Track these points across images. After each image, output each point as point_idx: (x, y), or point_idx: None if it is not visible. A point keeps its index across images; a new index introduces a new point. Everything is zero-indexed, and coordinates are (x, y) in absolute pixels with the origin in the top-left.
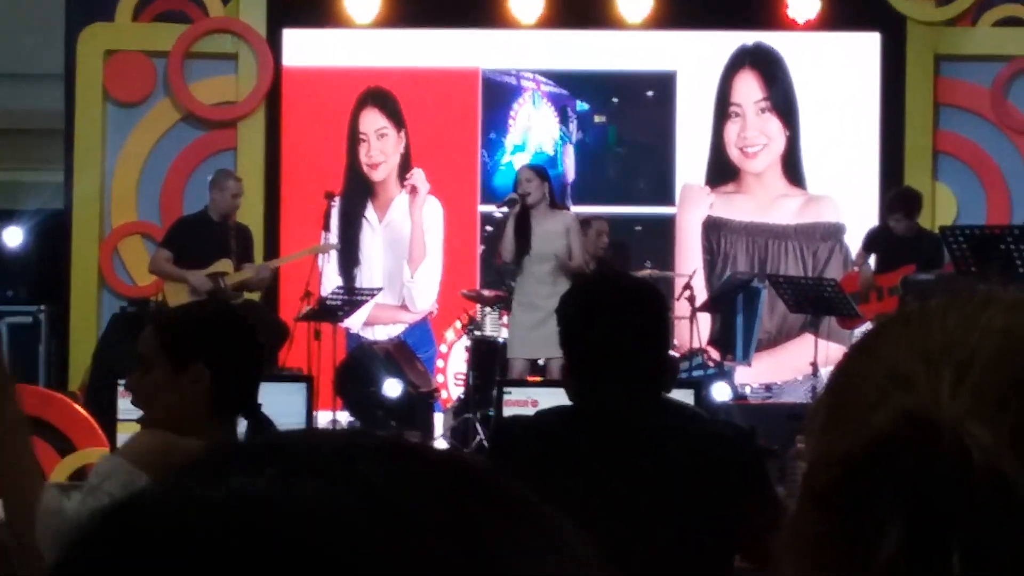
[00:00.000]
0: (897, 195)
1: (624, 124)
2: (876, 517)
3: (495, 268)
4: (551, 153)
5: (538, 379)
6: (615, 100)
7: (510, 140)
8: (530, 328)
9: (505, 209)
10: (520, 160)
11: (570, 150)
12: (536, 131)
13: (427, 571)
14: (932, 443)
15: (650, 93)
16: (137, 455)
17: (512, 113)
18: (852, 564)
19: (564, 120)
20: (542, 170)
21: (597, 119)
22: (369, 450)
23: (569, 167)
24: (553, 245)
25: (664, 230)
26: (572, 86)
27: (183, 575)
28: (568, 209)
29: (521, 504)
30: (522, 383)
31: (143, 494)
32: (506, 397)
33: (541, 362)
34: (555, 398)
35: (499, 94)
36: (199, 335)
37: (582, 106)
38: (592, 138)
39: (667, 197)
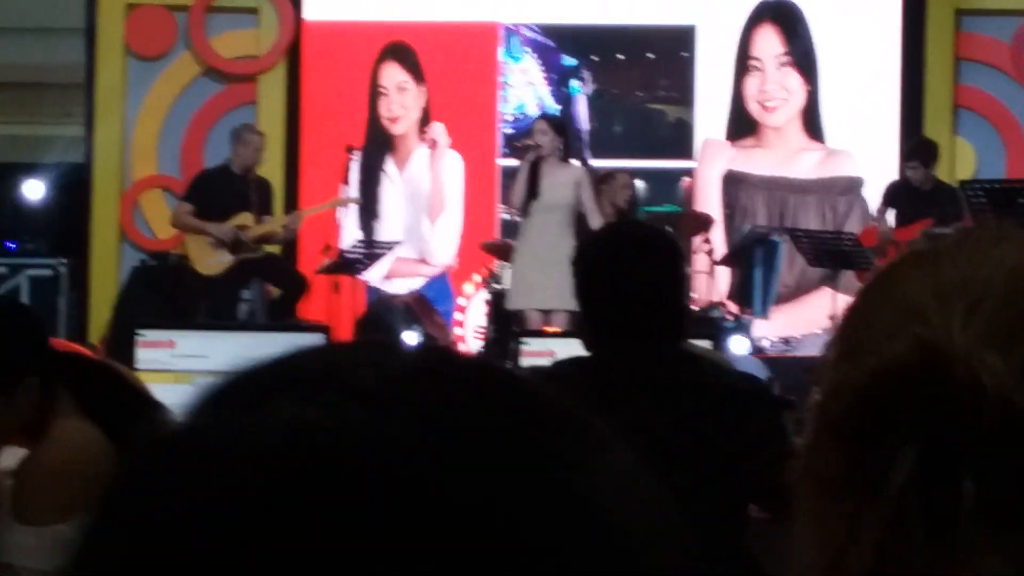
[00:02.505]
0: (913, 144)
1: (642, 77)
2: (888, 446)
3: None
4: (558, 108)
5: (557, 330)
6: (622, 56)
7: (514, 93)
8: (532, 277)
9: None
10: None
11: (583, 100)
12: (540, 86)
13: (490, 493)
14: (945, 371)
15: (669, 47)
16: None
17: (515, 67)
18: (865, 493)
19: (578, 73)
20: (558, 122)
21: (608, 73)
22: (413, 371)
23: (583, 118)
24: (561, 195)
25: (672, 183)
26: (588, 40)
27: (245, 516)
28: (584, 163)
29: (574, 417)
30: (539, 333)
31: (183, 429)
32: (523, 348)
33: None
34: (572, 349)
35: (510, 47)
36: (13, 355)
37: (593, 59)
38: (607, 92)
39: (686, 151)
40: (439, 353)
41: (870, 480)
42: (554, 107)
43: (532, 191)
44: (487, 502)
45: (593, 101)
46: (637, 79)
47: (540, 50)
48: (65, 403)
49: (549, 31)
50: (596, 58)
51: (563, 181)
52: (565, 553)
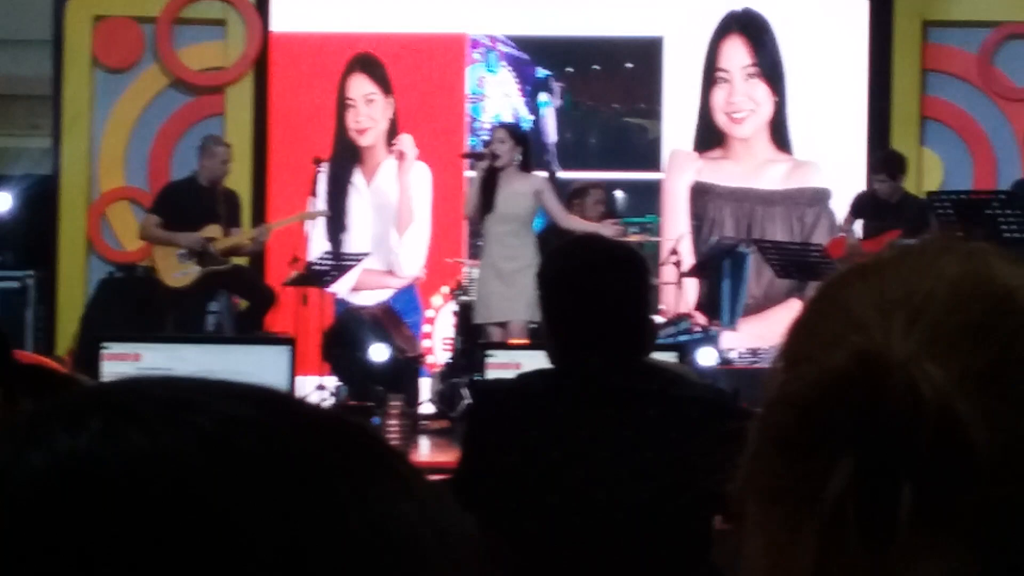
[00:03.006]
0: (881, 157)
1: (610, 89)
2: (828, 454)
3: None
4: (530, 118)
5: (523, 342)
6: (593, 67)
7: (485, 105)
8: (491, 291)
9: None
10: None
11: (551, 113)
12: (513, 97)
13: (259, 512)
14: (884, 380)
15: (635, 59)
16: None
17: (484, 78)
18: (804, 501)
19: (547, 86)
20: (517, 131)
21: (575, 85)
22: (197, 397)
23: (550, 130)
24: (518, 206)
25: (651, 196)
26: (557, 52)
27: (13, 546)
28: (552, 176)
29: (370, 448)
30: (504, 346)
31: None
32: (489, 360)
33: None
34: (538, 361)
35: (478, 59)
36: None
37: (565, 70)
38: (576, 104)
39: (654, 163)
40: (228, 383)
41: (810, 488)
42: (528, 119)
43: (488, 203)
44: (264, 525)
45: (566, 113)
46: (608, 91)
47: (515, 63)
48: None
49: (521, 43)
50: (571, 69)
51: (521, 191)
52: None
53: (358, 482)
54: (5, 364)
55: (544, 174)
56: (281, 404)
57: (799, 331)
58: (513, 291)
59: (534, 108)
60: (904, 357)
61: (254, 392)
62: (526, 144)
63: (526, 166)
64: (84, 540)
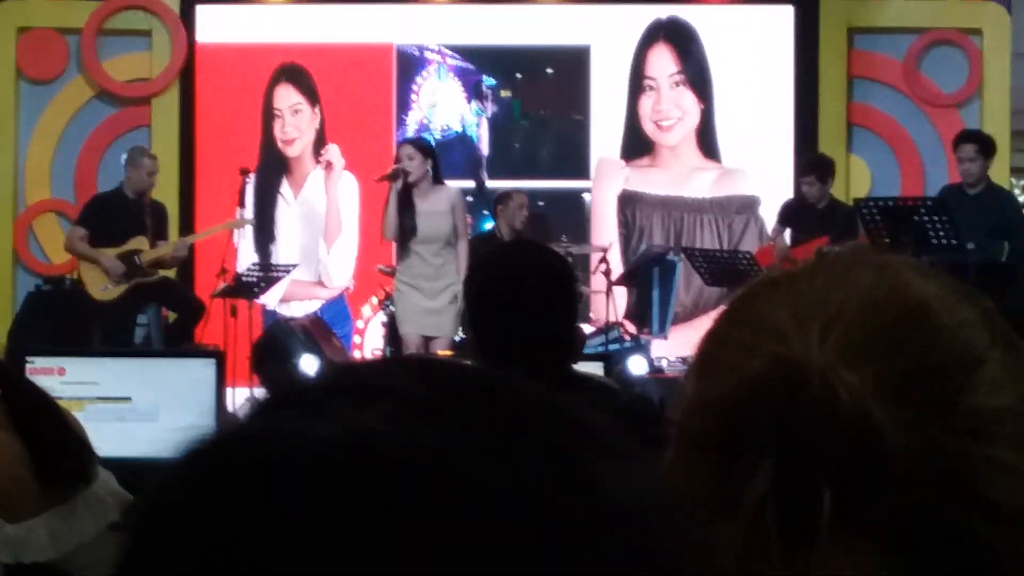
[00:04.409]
0: (809, 159)
1: (538, 98)
2: (748, 459)
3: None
4: (459, 130)
5: (448, 353)
6: (519, 75)
7: (414, 117)
8: (417, 306)
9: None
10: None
11: (484, 124)
12: (443, 106)
13: (543, 511)
14: (802, 386)
15: (563, 67)
16: None
17: (415, 88)
18: (725, 505)
19: (479, 95)
20: (425, 145)
21: (503, 94)
22: (466, 385)
23: (484, 142)
24: (437, 227)
25: (579, 204)
26: (484, 60)
27: (306, 517)
28: (480, 185)
29: (605, 431)
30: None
31: (238, 432)
32: None
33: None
34: None
35: (407, 68)
36: None
37: (490, 81)
38: (505, 112)
39: (582, 171)
40: (484, 372)
41: (730, 492)
42: (474, 123)
43: (408, 226)
44: (535, 507)
45: (515, 121)
46: (532, 98)
47: (461, 73)
48: None
49: (462, 52)
50: (520, 75)
51: (439, 210)
52: (610, 552)
53: (612, 474)
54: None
55: (457, 185)
56: (543, 404)
57: (715, 339)
58: (437, 305)
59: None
60: (821, 364)
61: (511, 385)
62: (434, 156)
63: (437, 178)
64: (364, 516)
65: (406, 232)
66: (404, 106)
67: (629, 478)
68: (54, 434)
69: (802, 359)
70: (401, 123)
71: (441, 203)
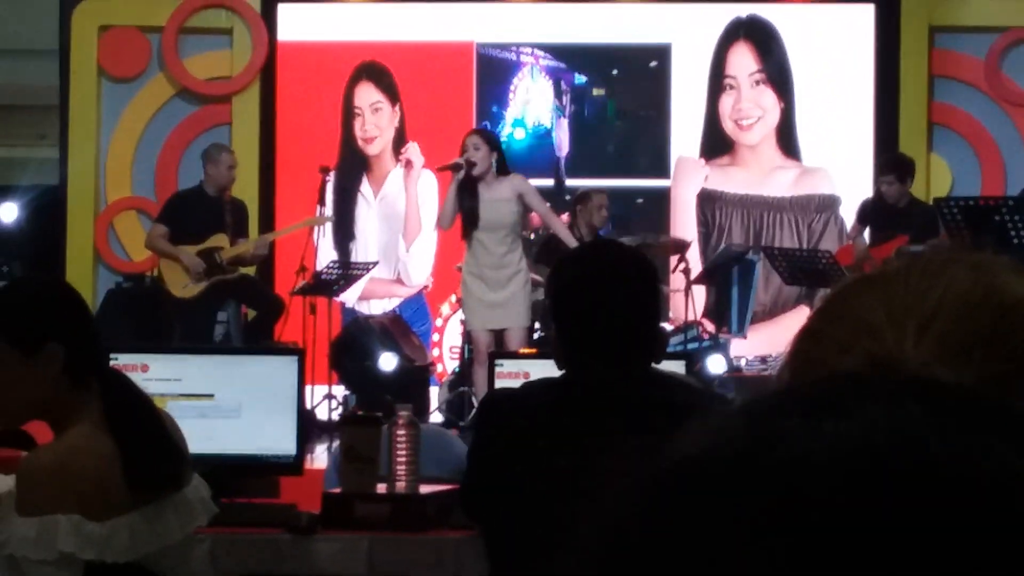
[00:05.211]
0: (889, 158)
1: (620, 97)
2: None
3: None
4: (549, 126)
5: (531, 351)
6: (614, 72)
7: (510, 114)
8: (480, 299)
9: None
10: (519, 133)
11: (564, 124)
12: (534, 104)
13: None
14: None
15: (649, 65)
16: (36, 499)
17: (512, 87)
18: None
19: (558, 94)
20: (491, 136)
21: (595, 92)
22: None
23: (563, 141)
24: (501, 214)
25: (660, 203)
26: (567, 59)
27: (864, 519)
28: (560, 185)
29: None
30: (514, 355)
31: (760, 439)
32: (498, 369)
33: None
34: (547, 370)
35: (499, 69)
36: (44, 313)
37: (579, 79)
38: (589, 111)
39: (663, 170)
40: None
41: None
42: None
43: (472, 215)
44: None
45: (610, 120)
46: (615, 97)
47: (553, 72)
48: (92, 410)
49: (549, 50)
50: (616, 71)
51: (503, 197)
52: None
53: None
54: (71, 325)
55: (521, 175)
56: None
57: (807, 338)
58: (502, 297)
59: (570, 115)
60: (917, 363)
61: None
62: (500, 148)
63: (503, 169)
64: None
65: (468, 219)
66: (502, 102)
67: None
68: (149, 437)
69: (897, 358)
70: (493, 117)
71: (505, 191)
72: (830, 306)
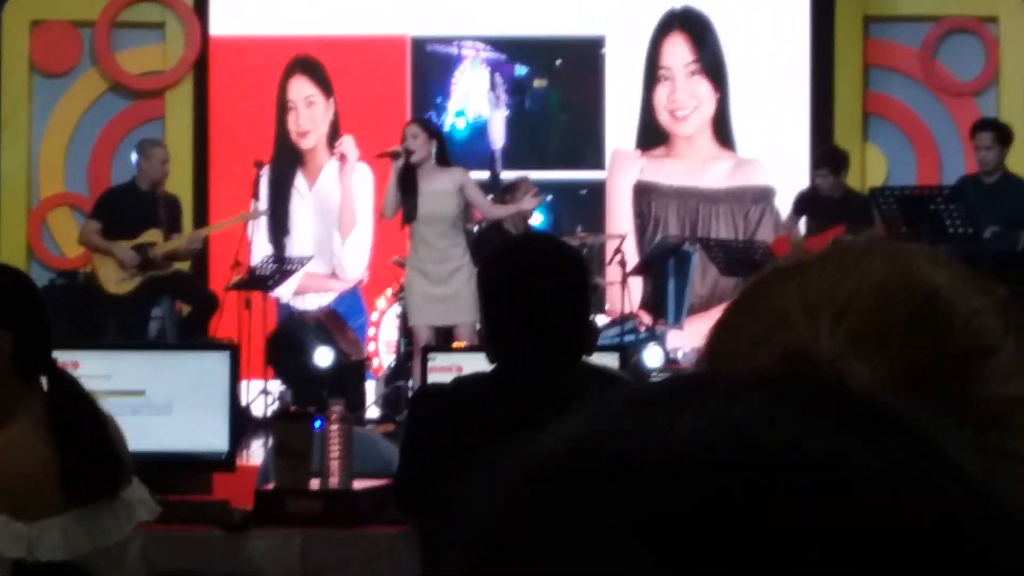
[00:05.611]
0: (823, 152)
1: (554, 89)
2: None
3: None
4: (485, 119)
5: (461, 345)
6: (557, 63)
7: (452, 105)
8: (423, 294)
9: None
10: (461, 123)
11: (499, 116)
12: (475, 97)
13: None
14: (811, 377)
15: (590, 56)
16: None
17: (454, 80)
18: None
19: (492, 86)
20: (430, 125)
21: (536, 83)
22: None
23: (498, 134)
24: (442, 207)
25: (595, 195)
26: (507, 51)
27: (711, 519)
28: (495, 178)
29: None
30: (446, 349)
31: (596, 435)
32: (431, 364)
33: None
34: (479, 364)
35: (441, 61)
36: None
37: (520, 71)
38: (531, 103)
39: (598, 162)
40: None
41: None
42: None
43: (411, 206)
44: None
45: (552, 112)
46: (547, 89)
47: (494, 64)
48: (34, 409)
49: (486, 43)
50: (559, 62)
51: (444, 190)
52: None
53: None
54: (18, 313)
55: (462, 168)
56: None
57: (723, 331)
58: (446, 292)
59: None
60: (831, 355)
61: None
62: (440, 137)
63: (443, 160)
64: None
65: (407, 212)
66: (445, 94)
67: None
68: (89, 443)
69: (811, 350)
70: (437, 109)
71: (446, 183)
72: (745, 298)
